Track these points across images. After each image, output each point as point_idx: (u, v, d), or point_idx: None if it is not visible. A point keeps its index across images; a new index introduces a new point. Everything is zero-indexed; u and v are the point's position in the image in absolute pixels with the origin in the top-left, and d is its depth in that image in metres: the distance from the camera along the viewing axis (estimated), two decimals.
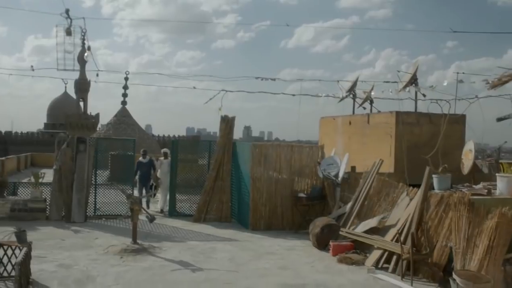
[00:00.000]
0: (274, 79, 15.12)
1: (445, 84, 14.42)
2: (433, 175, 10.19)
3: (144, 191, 15.94)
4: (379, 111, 15.26)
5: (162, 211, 15.65)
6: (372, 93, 16.21)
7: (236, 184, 14.74)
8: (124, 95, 36.17)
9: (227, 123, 15.02)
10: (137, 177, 15.85)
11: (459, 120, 13.82)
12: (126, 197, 10.79)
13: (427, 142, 13.04)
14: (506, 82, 5.66)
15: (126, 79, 35.93)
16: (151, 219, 10.17)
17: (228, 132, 15.00)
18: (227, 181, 14.73)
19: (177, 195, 15.45)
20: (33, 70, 19.86)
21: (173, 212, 15.23)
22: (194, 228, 13.27)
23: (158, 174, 16.11)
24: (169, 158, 15.90)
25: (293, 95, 14.82)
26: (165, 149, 16.72)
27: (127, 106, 36.41)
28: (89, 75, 15.93)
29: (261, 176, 13.54)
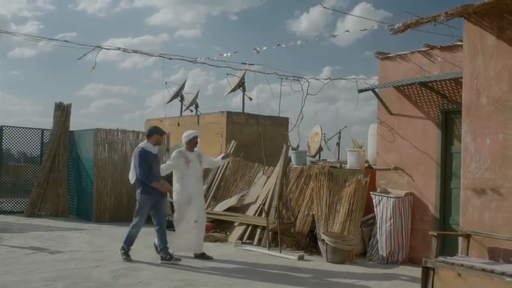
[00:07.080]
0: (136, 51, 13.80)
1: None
2: (291, 152, 10.70)
3: (157, 221, 8.19)
4: (200, 113, 15.11)
5: (206, 255, 8.29)
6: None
7: (75, 175, 13.64)
8: None
9: (63, 110, 13.85)
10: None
11: (283, 123, 14.62)
12: None
13: (255, 142, 13.55)
14: (409, 26, 6.19)
15: None
16: None
17: (64, 120, 13.83)
18: (64, 172, 13.51)
19: None
20: None
21: None
22: (30, 222, 11.87)
23: (179, 183, 8.51)
24: (199, 149, 8.76)
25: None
26: (191, 132, 8.51)
27: None
28: None
29: (105, 163, 12.76)
